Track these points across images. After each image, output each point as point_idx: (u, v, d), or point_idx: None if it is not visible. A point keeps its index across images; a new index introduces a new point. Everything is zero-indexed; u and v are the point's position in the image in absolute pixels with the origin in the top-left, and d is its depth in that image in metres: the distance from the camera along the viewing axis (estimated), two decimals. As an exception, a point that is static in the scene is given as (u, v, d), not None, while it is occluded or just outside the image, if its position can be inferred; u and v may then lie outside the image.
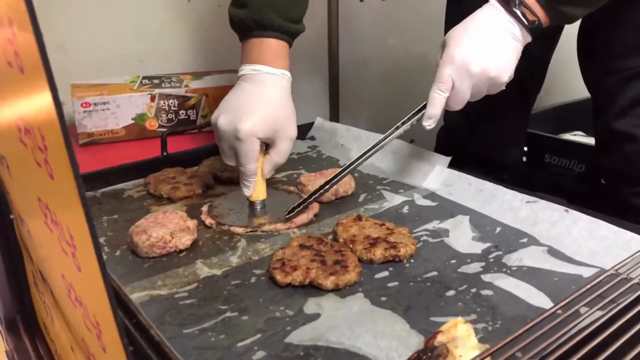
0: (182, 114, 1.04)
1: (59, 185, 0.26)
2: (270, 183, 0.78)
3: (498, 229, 0.66)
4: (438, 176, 0.78)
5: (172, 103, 1.02)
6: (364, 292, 0.54)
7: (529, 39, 0.68)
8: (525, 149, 1.27)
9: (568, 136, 1.39)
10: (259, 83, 0.71)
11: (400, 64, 1.55)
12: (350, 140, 0.94)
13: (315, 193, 0.71)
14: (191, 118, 1.05)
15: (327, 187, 0.70)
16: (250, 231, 0.67)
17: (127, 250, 0.63)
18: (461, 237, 0.65)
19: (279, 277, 0.55)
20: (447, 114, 0.89)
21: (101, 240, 0.66)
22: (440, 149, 1.03)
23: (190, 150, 0.91)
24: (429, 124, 0.70)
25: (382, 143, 0.72)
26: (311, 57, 1.44)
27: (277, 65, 0.72)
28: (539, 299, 0.52)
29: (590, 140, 1.26)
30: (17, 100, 0.28)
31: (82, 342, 0.35)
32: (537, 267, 0.57)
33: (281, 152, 0.71)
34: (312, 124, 1.03)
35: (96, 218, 0.71)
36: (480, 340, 0.44)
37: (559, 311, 0.44)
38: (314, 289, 0.55)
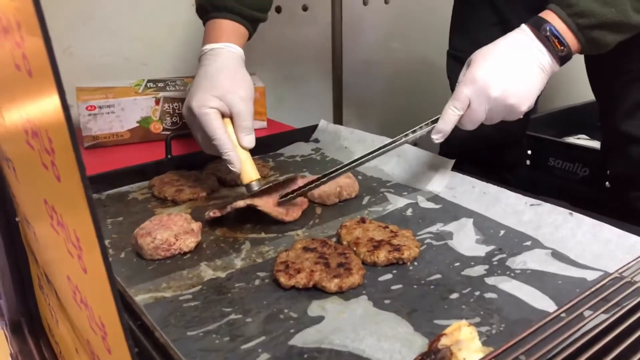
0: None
1: (66, 187, 0.26)
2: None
3: (502, 232, 0.66)
4: (442, 179, 0.78)
5: (176, 106, 1.02)
6: (367, 294, 0.54)
7: (556, 68, 0.67)
8: (529, 152, 1.27)
9: (572, 139, 1.39)
10: (206, 61, 0.75)
11: (404, 67, 1.55)
12: (354, 143, 0.94)
13: (311, 183, 0.71)
14: (195, 121, 1.06)
15: (324, 179, 0.70)
16: (249, 202, 0.67)
17: (132, 253, 0.64)
18: (465, 239, 0.65)
19: (282, 279, 0.55)
20: None
21: (106, 242, 0.66)
22: (441, 149, 1.03)
23: (194, 153, 0.92)
24: (438, 137, 0.70)
25: (387, 148, 0.72)
26: (315, 60, 1.44)
27: (222, 41, 0.75)
28: (543, 302, 0.52)
29: (595, 144, 1.26)
30: (24, 103, 0.29)
31: (86, 344, 0.35)
32: (541, 270, 0.57)
33: (240, 115, 0.72)
34: (316, 126, 1.03)
35: (101, 220, 0.71)
36: (484, 343, 0.44)
37: (563, 314, 0.44)
38: (317, 291, 0.55)
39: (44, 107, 0.25)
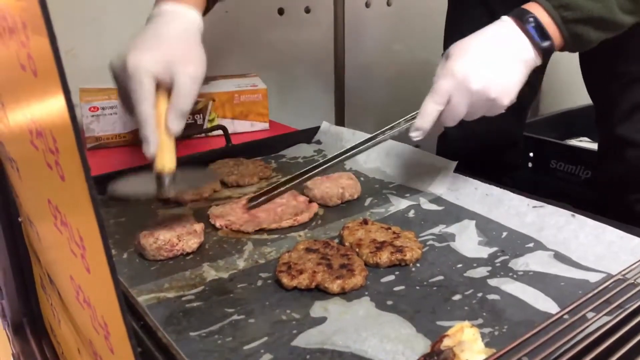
0: (189, 118, 1.05)
1: (70, 186, 0.26)
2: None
3: (504, 234, 0.66)
4: (444, 180, 0.78)
5: (179, 107, 1.02)
6: (370, 295, 0.54)
7: (539, 62, 0.64)
8: (531, 154, 1.27)
9: (574, 142, 1.39)
10: (156, 20, 0.66)
11: (406, 69, 1.55)
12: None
13: (277, 187, 0.70)
14: (198, 122, 1.06)
15: (293, 182, 0.70)
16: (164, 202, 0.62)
17: (135, 253, 0.64)
18: (467, 241, 0.65)
19: (285, 280, 0.55)
20: None
21: (108, 243, 0.66)
22: (440, 150, 1.03)
23: (197, 154, 0.92)
24: (416, 135, 0.66)
25: (360, 148, 0.71)
26: (317, 62, 1.45)
27: (181, 3, 0.66)
28: (546, 304, 0.52)
29: (596, 147, 1.26)
30: (29, 103, 0.29)
31: (89, 344, 0.35)
32: (543, 272, 0.57)
33: (181, 92, 0.62)
34: (318, 128, 1.03)
35: (104, 220, 0.71)
36: (487, 345, 0.44)
37: (566, 316, 0.44)
38: (320, 292, 0.55)
39: (48, 106, 0.25)
